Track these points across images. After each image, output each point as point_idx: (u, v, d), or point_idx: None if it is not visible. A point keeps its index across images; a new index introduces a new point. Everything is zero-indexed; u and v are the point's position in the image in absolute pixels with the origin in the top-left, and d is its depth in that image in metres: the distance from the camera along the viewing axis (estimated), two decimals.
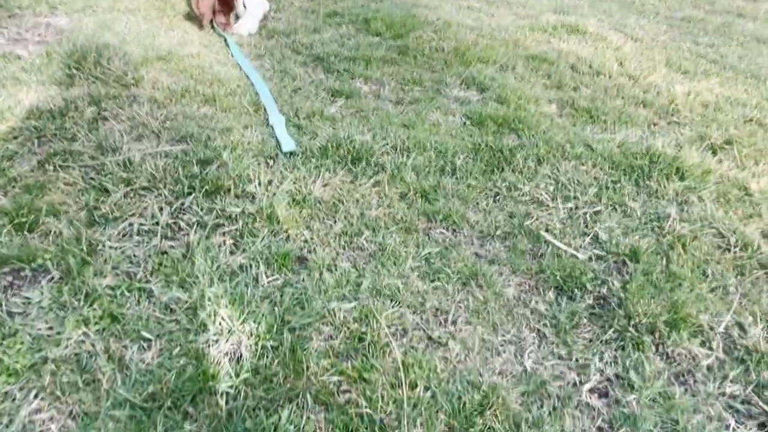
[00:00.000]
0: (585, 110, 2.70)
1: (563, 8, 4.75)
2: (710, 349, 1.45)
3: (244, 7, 3.37)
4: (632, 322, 1.48)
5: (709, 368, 1.41)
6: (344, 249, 1.65)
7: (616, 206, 1.94)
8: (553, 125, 2.49)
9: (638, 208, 1.92)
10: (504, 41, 3.61)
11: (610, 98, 2.85)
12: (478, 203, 1.92)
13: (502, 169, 2.11)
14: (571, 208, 1.92)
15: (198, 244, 1.59)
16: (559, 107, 2.77)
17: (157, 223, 1.65)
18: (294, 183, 1.91)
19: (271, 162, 2.05)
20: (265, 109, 2.44)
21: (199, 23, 3.35)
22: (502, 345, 1.42)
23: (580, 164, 2.19)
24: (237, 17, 3.38)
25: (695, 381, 1.38)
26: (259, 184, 1.86)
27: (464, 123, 2.51)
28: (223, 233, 1.65)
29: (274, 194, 1.82)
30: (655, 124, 2.63)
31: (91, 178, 1.84)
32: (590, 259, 1.68)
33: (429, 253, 1.65)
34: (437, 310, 1.49)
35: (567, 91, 2.93)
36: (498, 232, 1.78)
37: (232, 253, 1.59)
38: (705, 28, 4.63)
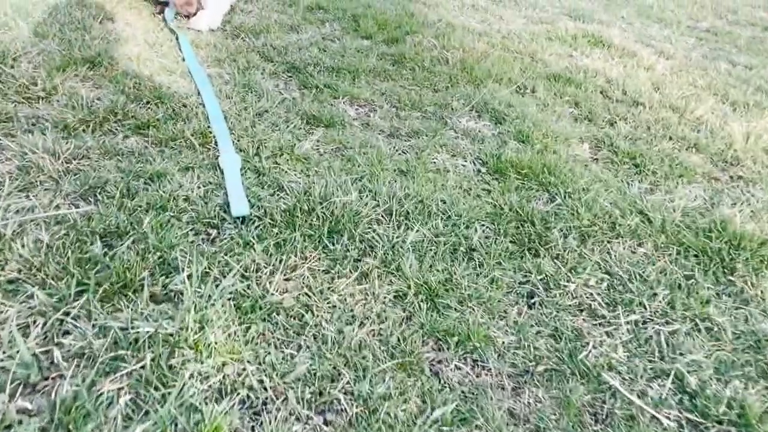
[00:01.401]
0: (626, 154, 2.13)
1: (578, 12, 4.17)
2: None
3: None
4: None
5: None
6: (310, 409, 1.05)
7: (698, 321, 1.38)
8: (592, 178, 1.92)
9: (728, 326, 1.37)
10: (519, 53, 3.02)
11: (654, 138, 2.29)
12: (506, 312, 1.34)
13: (536, 251, 1.54)
14: (636, 323, 1.36)
15: (75, 400, 0.98)
16: (594, 148, 2.20)
17: (12, 357, 1.04)
18: (242, 275, 1.30)
19: (213, 233, 1.44)
20: (215, 143, 1.82)
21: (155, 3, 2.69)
22: None
23: (637, 244, 1.63)
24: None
25: None
26: (190, 276, 1.25)
27: (478, 170, 1.92)
28: (120, 378, 1.04)
29: (210, 298, 1.21)
30: (716, 179, 2.08)
31: None
32: (680, 426, 1.12)
33: (441, 416, 1.07)
34: None
35: (601, 126, 2.36)
36: (539, 369, 1.21)
37: (128, 419, 0.98)
38: (735, 44, 4.10)
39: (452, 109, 2.33)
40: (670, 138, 2.31)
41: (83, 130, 1.77)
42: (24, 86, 1.92)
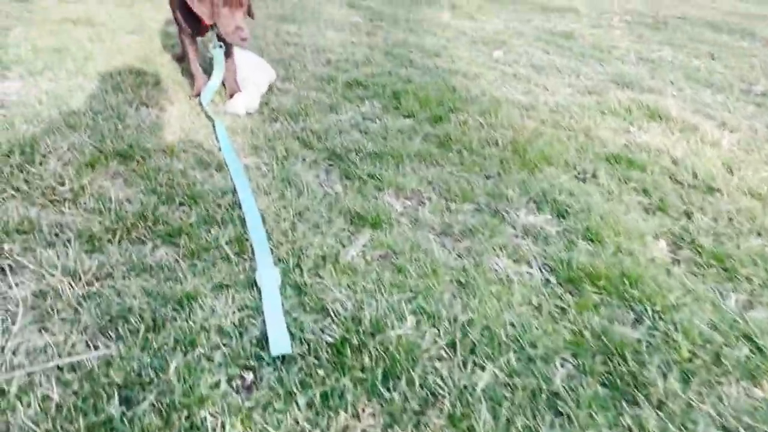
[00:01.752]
0: (712, 255, 1.87)
1: (624, 78, 3.99)
2: None
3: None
4: None
5: None
6: None
7: None
8: (680, 289, 1.66)
9: None
10: (571, 129, 2.82)
11: (740, 234, 2.03)
12: None
13: (632, 397, 1.27)
14: None
15: None
16: (673, 247, 1.95)
17: None
18: None
19: (249, 377, 1.22)
20: (252, 252, 1.63)
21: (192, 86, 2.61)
22: None
23: (752, 385, 1.35)
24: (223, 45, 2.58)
25: None
26: None
27: (547, 281, 1.68)
28: None
29: None
30: None
31: None
32: None
33: None
34: None
35: (676, 218, 2.11)
36: None
37: None
38: None
39: (508, 199, 2.12)
40: (759, 233, 2.04)
41: (109, 240, 1.60)
42: (50, 188, 1.80)
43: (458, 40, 4.59)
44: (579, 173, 2.37)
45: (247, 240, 1.68)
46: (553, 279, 1.69)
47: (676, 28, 6.50)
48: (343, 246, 1.73)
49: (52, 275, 1.42)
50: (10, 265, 1.46)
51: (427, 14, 5.53)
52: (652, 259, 1.84)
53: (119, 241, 1.61)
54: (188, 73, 2.78)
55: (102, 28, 3.55)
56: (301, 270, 1.59)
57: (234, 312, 1.40)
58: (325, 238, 1.75)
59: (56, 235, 1.61)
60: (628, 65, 4.55)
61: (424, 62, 3.84)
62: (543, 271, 1.73)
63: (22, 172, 1.84)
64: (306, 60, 3.49)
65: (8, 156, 1.90)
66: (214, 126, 2.37)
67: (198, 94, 2.63)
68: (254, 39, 3.79)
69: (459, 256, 1.78)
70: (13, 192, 1.76)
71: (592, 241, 1.89)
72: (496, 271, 1.71)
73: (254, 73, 2.72)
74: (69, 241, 1.57)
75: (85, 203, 1.77)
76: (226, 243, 1.65)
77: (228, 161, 2.07)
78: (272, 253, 1.64)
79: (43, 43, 3.08)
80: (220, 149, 2.21)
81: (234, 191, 1.92)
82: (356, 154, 2.33)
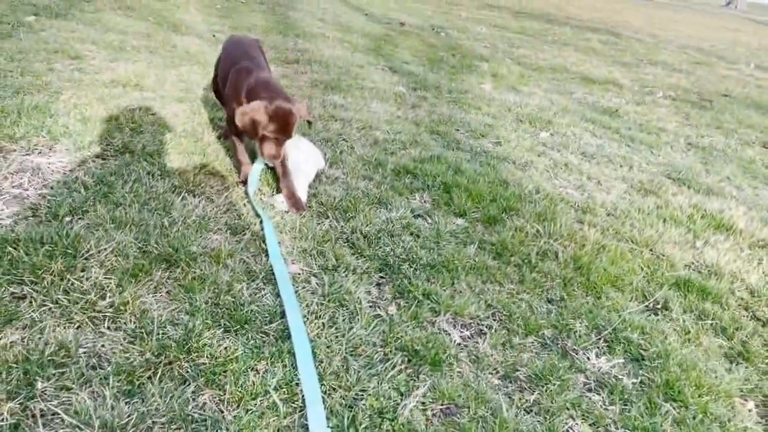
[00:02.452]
0: None
1: (677, 171, 3.84)
2: None
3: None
4: None
5: None
6: None
7: None
8: None
9: None
10: (633, 242, 2.66)
11: None
12: None
13: None
14: None
15: None
16: (763, 409, 1.74)
17: None
18: None
19: None
20: (302, 401, 1.47)
21: (238, 173, 2.53)
22: None
23: None
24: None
25: None
26: None
27: None
28: None
29: None
30: None
31: None
32: None
33: None
34: None
35: (763, 370, 1.91)
36: None
37: None
38: None
39: (574, 335, 1.94)
40: None
41: (149, 378, 1.46)
42: (91, 302, 1.67)
43: (503, 118, 4.50)
44: (649, 304, 2.18)
45: (297, 384, 1.52)
46: None
47: (723, 108, 6.36)
48: (401, 394, 1.57)
49: None
50: (42, 411, 1.32)
51: (470, 84, 5.48)
52: (744, 429, 1.63)
53: (160, 380, 1.47)
54: (233, 153, 2.70)
55: (150, 94, 3.52)
56: (357, 430, 1.42)
57: None
58: (381, 384, 1.59)
59: (93, 368, 1.47)
60: (679, 153, 4.40)
61: (471, 144, 3.74)
62: None
63: (63, 281, 1.73)
64: (353, 139, 3.41)
65: (50, 259, 1.80)
66: (261, 223, 2.26)
67: (244, 181, 2.54)
68: None
69: (527, 411, 1.60)
70: (52, 305, 1.64)
71: (674, 401, 1.70)
72: None
73: (305, 162, 2.63)
74: (107, 378, 1.44)
75: (125, 323, 1.64)
76: (275, 388, 1.50)
77: (276, 273, 1.93)
78: (324, 403, 1.48)
79: (92, 111, 3.04)
80: (267, 255, 2.08)
81: (282, 314, 1.78)
82: (409, 265, 2.18)
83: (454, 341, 1.85)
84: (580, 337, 1.94)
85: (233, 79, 2.50)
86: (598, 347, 1.91)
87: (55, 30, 4.52)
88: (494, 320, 1.98)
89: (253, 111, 2.26)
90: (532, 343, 1.90)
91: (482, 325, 1.95)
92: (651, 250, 2.61)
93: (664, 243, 2.68)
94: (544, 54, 8.06)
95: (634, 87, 6.80)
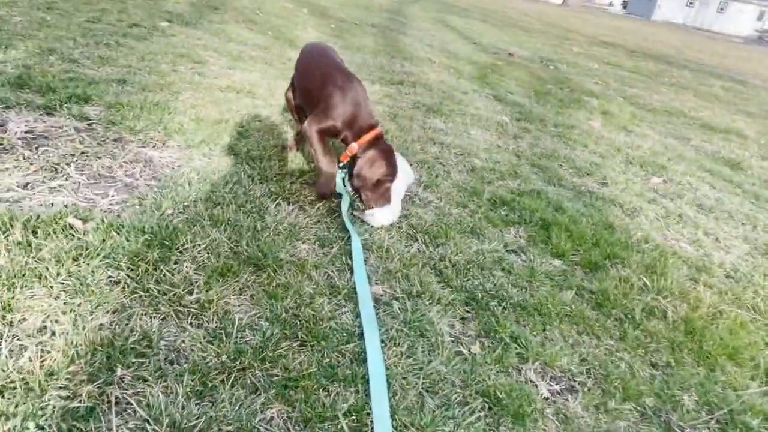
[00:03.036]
0: None
1: None
2: None
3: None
4: None
5: None
6: None
7: None
8: None
9: None
10: (757, 311, 2.34)
11: None
12: None
13: None
14: None
15: None
16: None
17: None
18: None
19: None
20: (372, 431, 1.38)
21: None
22: None
23: None
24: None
25: None
26: None
27: None
28: None
29: None
30: None
31: None
32: None
33: None
34: None
35: None
36: None
37: None
38: None
39: (682, 410, 1.70)
40: None
41: (222, 382, 1.43)
42: (178, 296, 1.69)
43: (612, 158, 4.22)
44: None
45: (368, 414, 1.43)
46: None
47: None
48: None
49: (158, 429, 1.25)
50: (117, 398, 1.33)
51: (577, 119, 5.23)
52: None
53: (232, 385, 1.44)
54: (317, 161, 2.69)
55: (261, 102, 3.66)
56: None
57: None
58: (458, 429, 1.46)
59: (171, 363, 1.47)
60: None
61: (575, 181, 3.52)
62: None
63: (156, 270, 1.77)
64: (450, 164, 3.32)
65: (148, 248, 1.85)
66: (350, 239, 2.21)
67: (339, 196, 2.51)
68: (400, 132, 3.71)
69: None
70: (142, 293, 1.67)
71: None
72: None
73: (396, 180, 2.56)
74: (182, 375, 1.42)
75: (207, 322, 1.64)
76: (344, 414, 1.42)
77: (359, 293, 1.87)
78: None
79: (205, 112, 3.19)
80: (351, 272, 2.02)
81: (360, 336, 1.71)
82: (498, 303, 2.04)
83: (542, 394, 1.68)
84: (687, 412, 1.70)
85: (341, 96, 2.40)
86: (708, 428, 1.66)
87: (184, 36, 4.85)
88: (588, 377, 1.79)
89: (381, 164, 2.33)
90: (630, 410, 1.68)
91: (574, 381, 1.76)
92: None
93: None
94: (660, 96, 7.58)
95: (761, 140, 6.19)
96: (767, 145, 6.01)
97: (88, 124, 2.72)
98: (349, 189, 2.46)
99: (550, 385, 1.73)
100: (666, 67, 11.20)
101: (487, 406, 1.57)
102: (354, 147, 2.35)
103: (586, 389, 1.73)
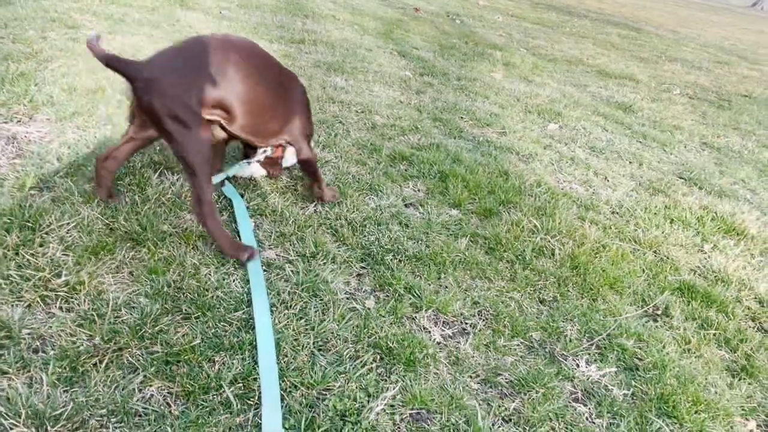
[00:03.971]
0: None
1: (689, 170, 3.66)
2: None
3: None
4: None
5: None
6: None
7: None
8: None
9: None
10: (637, 243, 2.50)
11: None
12: None
13: None
14: None
15: None
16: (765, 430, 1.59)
17: None
18: None
19: None
20: (258, 399, 1.35)
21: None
22: None
23: None
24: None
25: None
26: None
27: None
28: None
29: None
30: None
31: None
32: None
33: None
34: None
35: (766, 388, 1.75)
36: None
37: None
38: None
39: (566, 339, 1.81)
40: None
41: (95, 365, 1.35)
42: (44, 280, 1.56)
43: (511, 108, 4.33)
44: (649, 309, 2.04)
45: (255, 378, 1.40)
46: None
47: (742, 108, 6.13)
48: (369, 396, 1.44)
49: (16, 422, 1.16)
50: None
51: (480, 72, 5.30)
52: None
53: (106, 367, 1.36)
54: None
55: None
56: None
57: None
58: (348, 383, 1.46)
59: (35, 351, 1.36)
60: (692, 153, 4.22)
61: (474, 133, 3.58)
62: None
63: (17, 255, 1.62)
64: (349, 122, 3.26)
65: (7, 232, 1.69)
66: (232, 207, 2.13)
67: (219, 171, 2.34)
68: None
69: (506, 421, 1.47)
70: (2, 281, 1.53)
71: (668, 417, 1.56)
72: None
73: None
74: (47, 364, 1.32)
75: (78, 305, 1.53)
76: (230, 382, 1.38)
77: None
78: (283, 402, 1.36)
79: (79, 81, 2.92)
80: (240, 239, 1.95)
81: (249, 303, 1.66)
82: (394, 256, 2.05)
83: (434, 340, 1.72)
84: (570, 341, 1.81)
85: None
86: (589, 354, 1.78)
87: None
88: (480, 319, 1.85)
89: None
90: (518, 345, 1.77)
91: (466, 323, 1.82)
92: (655, 252, 2.46)
93: (670, 245, 2.53)
94: (561, 45, 7.84)
95: (651, 83, 6.58)
96: (657, 88, 6.39)
97: None
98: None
99: (443, 330, 1.77)
100: (568, 18, 11.56)
101: (378, 357, 1.59)
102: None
103: (477, 330, 1.79)
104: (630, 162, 3.68)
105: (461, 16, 8.72)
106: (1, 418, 1.17)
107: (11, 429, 1.16)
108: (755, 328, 2.06)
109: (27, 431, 1.16)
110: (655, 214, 2.83)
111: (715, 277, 2.35)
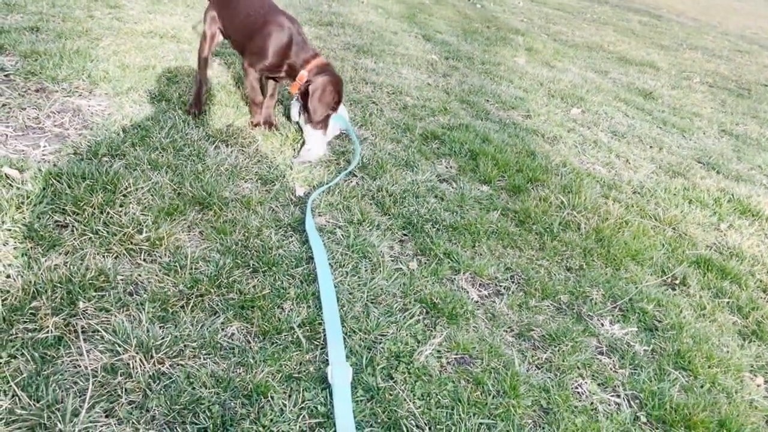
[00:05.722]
0: None
1: (708, 156, 3.79)
2: None
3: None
4: None
5: None
6: None
7: None
8: None
9: None
10: (657, 220, 2.66)
11: None
12: None
13: None
14: None
15: None
16: None
17: None
18: None
19: None
20: (324, 339, 1.55)
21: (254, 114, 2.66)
22: None
23: None
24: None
25: None
26: None
27: (636, 417, 1.54)
28: None
29: None
30: None
31: None
32: None
33: None
34: None
35: None
36: None
37: None
38: None
39: (591, 302, 1.98)
40: None
41: (182, 307, 1.55)
42: (128, 235, 1.76)
43: (535, 92, 4.46)
44: (667, 279, 2.20)
45: (320, 323, 1.60)
46: (643, 416, 1.55)
47: (761, 97, 6.19)
48: (418, 342, 1.63)
49: (126, 351, 1.36)
50: (83, 327, 1.42)
51: (503, 56, 5.42)
52: (751, 401, 1.67)
53: (192, 309, 1.56)
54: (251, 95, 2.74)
55: (186, 46, 3.58)
56: (374, 369, 1.50)
57: (304, 417, 1.32)
58: (400, 330, 1.65)
59: (130, 294, 1.57)
60: (711, 139, 4.33)
61: (500, 115, 3.73)
62: (631, 402, 1.59)
63: (102, 213, 1.82)
64: (382, 103, 3.43)
65: (91, 193, 1.89)
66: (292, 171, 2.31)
67: (259, 123, 2.63)
68: None
69: (539, 367, 1.65)
70: (92, 235, 1.73)
71: (684, 369, 1.74)
72: (580, 395, 1.58)
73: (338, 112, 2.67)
74: (142, 304, 1.53)
75: (160, 257, 1.73)
76: (299, 325, 1.58)
77: (307, 224, 1.99)
78: (345, 343, 1.56)
79: (130, 59, 3.11)
80: (295, 205, 2.14)
81: (309, 260, 1.85)
82: (432, 225, 2.23)
83: (472, 299, 1.90)
84: (595, 304, 1.98)
85: (279, 32, 2.47)
86: (612, 315, 1.95)
87: None
88: (512, 282, 2.03)
89: (336, 85, 2.46)
90: (548, 306, 1.94)
91: (500, 286, 2.00)
92: (674, 228, 2.61)
93: (688, 223, 2.68)
94: (582, 32, 7.89)
95: (672, 71, 6.64)
96: (677, 75, 6.46)
97: (5, 76, 2.62)
98: (302, 120, 2.56)
99: (480, 291, 1.95)
100: (588, 4, 11.54)
101: (425, 310, 1.77)
102: (304, 74, 2.43)
103: (510, 292, 1.97)
104: (650, 146, 3.81)
105: (482, 1, 8.77)
106: (115, 346, 1.37)
107: (123, 353, 1.36)
108: (766, 299, 2.22)
109: (136, 355, 1.36)
110: (675, 194, 2.97)
111: (730, 252, 2.50)
